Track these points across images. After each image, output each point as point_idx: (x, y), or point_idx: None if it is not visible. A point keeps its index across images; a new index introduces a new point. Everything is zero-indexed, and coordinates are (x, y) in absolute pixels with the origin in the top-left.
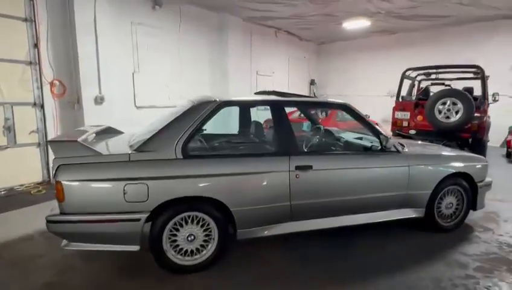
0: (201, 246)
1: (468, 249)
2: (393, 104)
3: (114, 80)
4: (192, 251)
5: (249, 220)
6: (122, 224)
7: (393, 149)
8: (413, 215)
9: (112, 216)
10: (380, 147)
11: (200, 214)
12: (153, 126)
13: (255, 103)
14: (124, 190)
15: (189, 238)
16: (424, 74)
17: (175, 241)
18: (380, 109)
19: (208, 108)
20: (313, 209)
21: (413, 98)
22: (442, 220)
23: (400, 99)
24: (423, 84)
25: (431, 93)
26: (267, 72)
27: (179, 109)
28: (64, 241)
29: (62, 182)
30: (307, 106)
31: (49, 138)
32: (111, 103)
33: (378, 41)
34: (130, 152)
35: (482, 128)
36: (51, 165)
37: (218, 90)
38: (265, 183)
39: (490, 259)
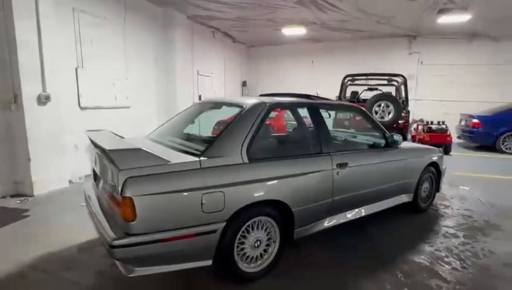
0: (264, 250)
1: (447, 223)
2: None
3: (61, 75)
4: (255, 258)
5: (303, 219)
6: (199, 238)
7: (395, 145)
8: (406, 200)
9: (188, 230)
10: (384, 144)
11: (264, 218)
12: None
13: (297, 105)
14: (201, 200)
15: (255, 244)
16: (355, 79)
17: (243, 249)
18: None
19: (261, 111)
20: (347, 203)
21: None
22: (421, 202)
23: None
24: (356, 89)
25: (367, 97)
26: (206, 72)
27: (189, 111)
28: (127, 268)
29: (133, 197)
30: (333, 108)
31: None
32: (58, 103)
33: (305, 48)
34: (199, 159)
35: (406, 126)
36: None
37: (165, 91)
38: (316, 182)
39: (466, 228)
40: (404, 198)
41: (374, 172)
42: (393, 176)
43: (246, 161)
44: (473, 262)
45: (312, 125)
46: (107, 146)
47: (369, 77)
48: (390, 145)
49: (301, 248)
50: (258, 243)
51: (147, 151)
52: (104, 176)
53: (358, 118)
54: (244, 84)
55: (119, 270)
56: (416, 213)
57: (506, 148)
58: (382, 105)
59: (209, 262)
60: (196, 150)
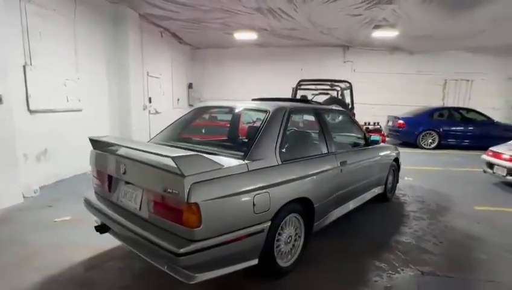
0: (292, 245)
1: (410, 208)
2: None
3: (12, 72)
4: (286, 253)
5: (320, 213)
6: (250, 238)
7: (374, 144)
8: (379, 192)
9: (244, 231)
10: (365, 143)
11: (294, 215)
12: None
13: (307, 109)
14: (253, 201)
15: (288, 240)
16: (309, 84)
17: (278, 245)
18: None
19: (284, 114)
20: (345, 197)
21: None
22: (388, 193)
23: None
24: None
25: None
26: (155, 73)
27: (188, 116)
28: (188, 276)
29: (199, 203)
30: (328, 112)
31: None
32: (9, 106)
33: (250, 52)
34: (246, 162)
35: None
36: None
37: (118, 92)
38: (328, 179)
39: (426, 211)
40: (379, 190)
41: (363, 168)
42: (374, 170)
43: (280, 162)
44: (445, 237)
45: (318, 128)
46: (162, 152)
47: (319, 82)
48: (370, 144)
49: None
50: (290, 238)
51: (204, 156)
52: (146, 184)
53: (312, 119)
54: (190, 86)
55: (145, 282)
56: (384, 202)
57: (424, 144)
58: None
59: (256, 261)
60: (234, 154)
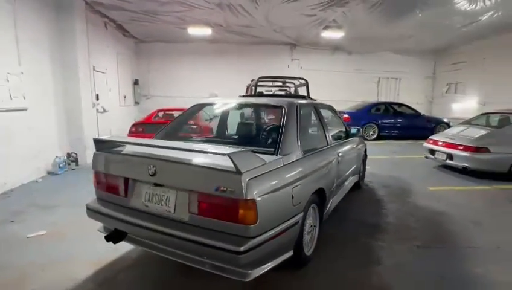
0: (311, 235)
1: (380, 193)
2: None
3: None
4: (307, 242)
5: (328, 203)
6: (290, 230)
7: (355, 136)
8: (356, 180)
9: (285, 224)
10: (346, 135)
11: (312, 205)
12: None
13: (309, 105)
14: (292, 194)
15: (309, 230)
16: (267, 81)
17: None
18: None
19: (297, 110)
20: (339, 186)
21: None
22: (361, 181)
23: None
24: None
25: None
26: (101, 68)
27: (190, 112)
28: (244, 273)
29: (256, 199)
30: (322, 107)
31: None
32: None
33: (200, 48)
34: (281, 157)
35: None
36: None
37: (65, 89)
38: (332, 168)
39: (394, 195)
40: (356, 178)
41: (350, 158)
42: (355, 160)
43: (302, 155)
44: (419, 215)
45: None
46: (212, 150)
47: (278, 80)
48: (350, 136)
49: None
50: (310, 228)
51: (252, 153)
52: (186, 185)
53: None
54: (136, 82)
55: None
56: (358, 190)
57: (367, 136)
58: None
59: (292, 252)
60: (263, 150)
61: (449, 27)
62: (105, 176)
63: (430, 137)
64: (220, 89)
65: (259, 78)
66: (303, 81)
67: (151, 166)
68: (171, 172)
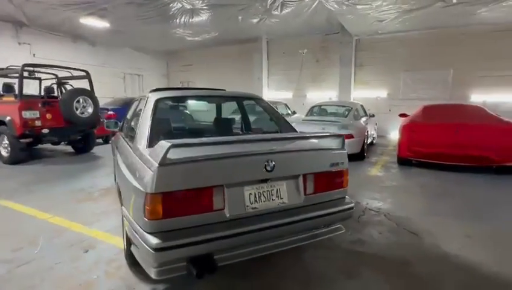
0: None
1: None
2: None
3: None
4: None
5: None
6: None
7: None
8: None
9: None
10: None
11: None
12: None
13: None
14: None
15: None
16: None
17: None
18: None
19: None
20: None
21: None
22: None
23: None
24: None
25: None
26: None
27: None
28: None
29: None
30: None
31: None
32: None
33: None
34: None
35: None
36: None
37: None
38: None
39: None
40: None
41: None
42: None
43: None
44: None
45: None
46: (325, 133)
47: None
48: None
49: None
50: None
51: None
52: (304, 169)
53: None
54: None
55: None
56: None
57: None
58: (81, 100)
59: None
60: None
61: (180, 38)
62: (188, 193)
63: None
64: None
65: (24, 65)
66: (83, 73)
67: (270, 161)
68: (288, 162)
